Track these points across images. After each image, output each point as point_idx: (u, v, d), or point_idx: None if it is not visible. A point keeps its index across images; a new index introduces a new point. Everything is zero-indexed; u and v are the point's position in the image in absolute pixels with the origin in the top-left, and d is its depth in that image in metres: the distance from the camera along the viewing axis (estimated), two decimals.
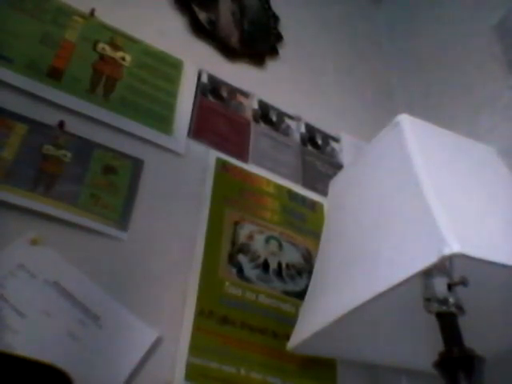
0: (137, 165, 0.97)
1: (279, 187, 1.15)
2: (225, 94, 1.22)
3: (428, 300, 0.71)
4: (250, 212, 1.06)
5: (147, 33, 1.16)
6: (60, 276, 0.79)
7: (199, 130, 1.11)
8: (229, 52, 1.30)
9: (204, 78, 1.21)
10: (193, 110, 1.13)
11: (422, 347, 0.84)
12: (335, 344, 0.88)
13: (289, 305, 0.99)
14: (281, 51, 1.42)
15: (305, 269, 1.05)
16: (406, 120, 0.86)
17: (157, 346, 0.81)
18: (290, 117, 1.31)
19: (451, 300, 0.69)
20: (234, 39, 1.34)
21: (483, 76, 1.30)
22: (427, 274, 0.70)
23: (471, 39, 1.39)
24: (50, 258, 0.79)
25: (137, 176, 0.96)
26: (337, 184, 1.02)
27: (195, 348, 0.84)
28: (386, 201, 0.81)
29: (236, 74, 1.28)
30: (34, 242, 0.79)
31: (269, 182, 1.15)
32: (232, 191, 1.07)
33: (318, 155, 1.30)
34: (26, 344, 0.70)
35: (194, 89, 1.17)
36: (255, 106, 1.26)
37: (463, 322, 0.69)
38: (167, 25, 1.24)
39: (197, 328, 0.86)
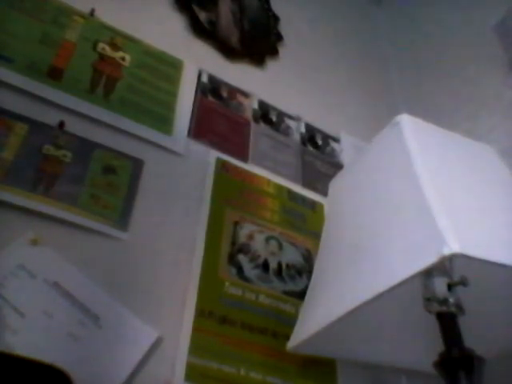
0: (137, 165, 0.97)
1: (279, 187, 1.15)
2: (225, 94, 1.22)
3: (428, 300, 0.71)
4: (250, 212, 1.06)
5: (147, 33, 1.16)
6: (60, 276, 0.79)
7: (199, 130, 1.11)
8: (229, 52, 1.30)
9: (204, 78, 1.21)
10: (193, 110, 1.13)
11: (422, 347, 0.84)
12: (335, 344, 0.88)
13: (289, 305, 0.99)
14: (281, 51, 1.42)
15: (305, 269, 1.05)
16: (405, 120, 0.86)
17: (157, 346, 0.81)
18: (290, 117, 1.31)
19: (451, 300, 0.69)
20: (234, 39, 1.34)
21: (483, 76, 1.30)
22: (427, 274, 0.70)
23: (471, 39, 1.39)
24: (49, 258, 0.79)
25: (137, 176, 0.96)
26: (337, 184, 1.01)
27: (195, 348, 0.84)
28: (385, 201, 0.81)
29: (236, 74, 1.28)
30: (33, 242, 0.79)
31: (269, 181, 1.15)
32: (232, 191, 1.07)
33: (317, 155, 1.30)
34: (25, 344, 0.70)
35: (194, 89, 1.17)
36: (255, 106, 1.26)
37: (463, 322, 0.69)
38: (167, 25, 1.24)
39: (197, 328, 0.86)
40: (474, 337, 0.69)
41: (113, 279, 0.84)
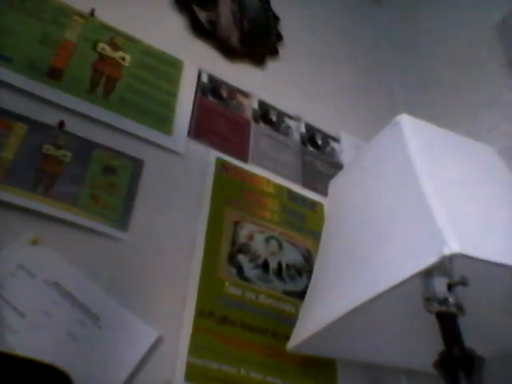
0: (137, 165, 0.97)
1: (279, 187, 1.15)
2: (225, 94, 1.22)
3: (428, 300, 0.71)
4: (250, 212, 1.06)
5: (147, 33, 1.16)
6: (60, 276, 0.79)
7: (199, 130, 1.11)
8: (229, 52, 1.30)
9: (204, 78, 1.21)
10: (193, 110, 1.13)
11: (422, 347, 0.84)
12: (335, 344, 0.88)
13: (289, 305, 0.99)
14: (281, 51, 1.42)
15: (305, 269, 1.05)
16: (405, 120, 0.86)
17: (157, 346, 0.81)
18: (290, 117, 1.31)
19: (451, 300, 0.69)
20: (234, 39, 1.34)
21: (483, 76, 1.30)
22: (427, 273, 0.70)
23: (472, 39, 1.39)
24: (49, 258, 0.79)
25: (137, 176, 0.96)
26: (337, 184, 1.02)
27: (195, 348, 0.84)
28: (386, 201, 0.81)
29: (236, 73, 1.28)
30: (33, 242, 0.79)
31: (269, 182, 1.15)
32: (232, 191, 1.07)
33: (317, 155, 1.30)
34: (25, 344, 0.70)
35: (194, 89, 1.17)
36: (255, 105, 1.26)
37: (463, 322, 0.69)
38: (167, 25, 1.24)
39: (197, 328, 0.86)
40: (474, 337, 0.69)
41: (113, 279, 0.84)
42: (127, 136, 1.00)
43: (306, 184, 1.21)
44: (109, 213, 0.89)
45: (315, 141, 1.32)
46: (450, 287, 0.70)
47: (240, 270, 0.97)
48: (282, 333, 0.93)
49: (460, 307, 0.69)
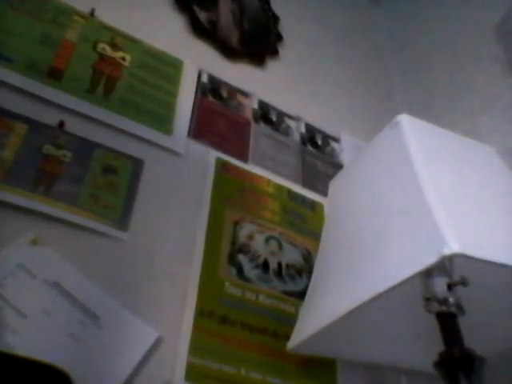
0: (137, 165, 0.97)
1: (279, 187, 1.15)
2: (225, 94, 1.22)
3: (428, 300, 0.71)
4: (250, 212, 1.06)
5: (147, 33, 1.16)
6: (60, 276, 0.79)
7: (199, 129, 1.11)
8: (229, 52, 1.30)
9: (204, 78, 1.21)
10: (193, 109, 1.13)
11: (422, 347, 0.84)
12: (335, 344, 0.88)
13: (289, 305, 0.99)
14: (281, 51, 1.42)
15: (305, 269, 1.05)
16: (405, 120, 0.86)
17: (157, 346, 0.81)
18: (290, 117, 1.31)
19: (451, 300, 0.69)
20: (234, 39, 1.34)
21: (483, 76, 1.30)
22: (427, 273, 0.70)
23: (471, 39, 1.39)
24: (50, 258, 0.79)
25: (137, 176, 0.96)
26: (337, 184, 1.02)
27: (195, 348, 0.84)
28: (386, 201, 0.81)
29: (236, 73, 1.28)
30: (33, 242, 0.79)
31: (269, 181, 1.15)
32: (232, 191, 1.07)
33: (317, 155, 1.30)
34: (26, 344, 0.70)
35: (194, 89, 1.17)
36: (255, 105, 1.26)
37: (463, 322, 0.69)
38: (167, 25, 1.24)
39: (197, 328, 0.86)
40: (474, 337, 0.69)
41: (113, 279, 0.84)
42: (127, 136, 1.00)
43: (306, 184, 1.21)
44: (109, 213, 0.89)
45: (315, 141, 1.32)
46: (450, 287, 0.70)
47: (240, 270, 0.97)
48: (282, 333, 0.93)
49: (460, 307, 0.69)
